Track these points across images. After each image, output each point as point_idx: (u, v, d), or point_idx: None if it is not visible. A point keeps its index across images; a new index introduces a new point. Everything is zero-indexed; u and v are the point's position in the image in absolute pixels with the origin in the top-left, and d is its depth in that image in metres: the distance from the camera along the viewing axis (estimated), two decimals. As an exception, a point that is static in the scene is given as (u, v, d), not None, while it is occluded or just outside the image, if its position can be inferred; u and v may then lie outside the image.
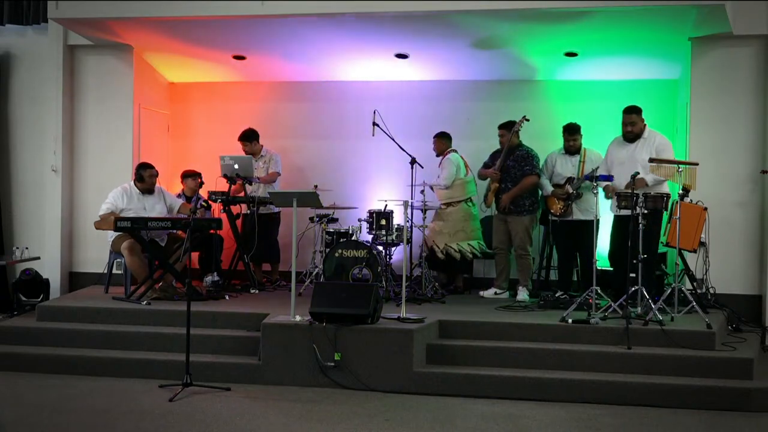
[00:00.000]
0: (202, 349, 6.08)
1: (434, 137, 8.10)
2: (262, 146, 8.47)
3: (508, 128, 7.53)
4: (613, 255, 6.79)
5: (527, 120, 7.45)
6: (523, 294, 7.40)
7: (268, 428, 4.89)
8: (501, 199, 7.51)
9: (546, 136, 8.50)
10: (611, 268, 6.97)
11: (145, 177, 7.49)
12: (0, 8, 8.39)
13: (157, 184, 7.62)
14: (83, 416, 5.11)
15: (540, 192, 7.57)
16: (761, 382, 5.50)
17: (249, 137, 8.39)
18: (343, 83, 9.13)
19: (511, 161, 7.49)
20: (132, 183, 7.54)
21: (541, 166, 7.53)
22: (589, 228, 6.89)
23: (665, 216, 6.80)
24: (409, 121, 8.73)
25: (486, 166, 7.74)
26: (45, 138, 8.36)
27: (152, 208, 7.48)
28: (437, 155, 8.09)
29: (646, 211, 6.17)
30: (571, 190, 7.32)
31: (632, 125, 6.75)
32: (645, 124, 6.80)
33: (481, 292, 7.77)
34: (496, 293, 7.63)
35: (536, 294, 7.55)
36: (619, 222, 6.73)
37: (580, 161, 7.40)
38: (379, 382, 5.71)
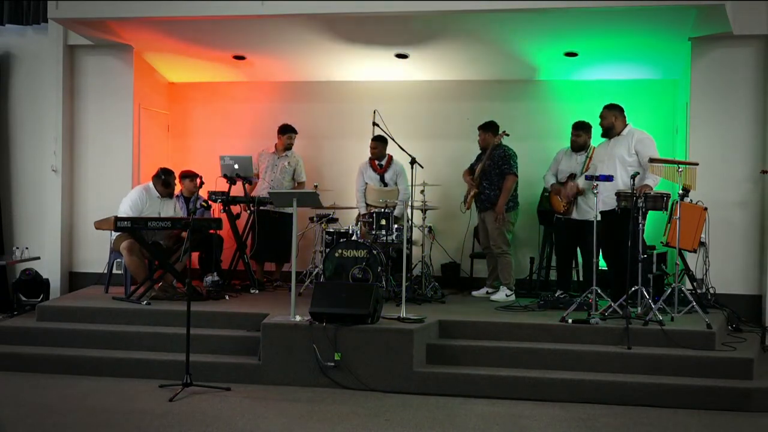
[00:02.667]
0: (202, 349, 6.08)
1: (377, 140, 8.09)
2: None
3: (486, 129, 7.60)
4: (602, 254, 6.76)
5: (507, 135, 7.56)
6: (500, 294, 7.44)
7: (268, 428, 4.89)
8: (482, 199, 7.57)
9: (546, 136, 8.51)
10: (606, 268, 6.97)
11: (172, 183, 7.54)
12: (0, 8, 8.38)
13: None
14: (83, 416, 5.11)
15: (516, 191, 7.61)
16: (761, 382, 5.51)
17: (293, 129, 8.44)
18: (343, 83, 9.12)
19: (489, 161, 7.52)
20: (151, 184, 7.52)
21: (518, 164, 7.55)
22: (588, 227, 6.90)
23: (663, 216, 6.80)
24: (409, 121, 8.73)
25: (471, 168, 7.78)
26: (45, 138, 8.35)
27: (166, 213, 7.48)
28: (373, 158, 8.23)
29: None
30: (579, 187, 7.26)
31: (602, 119, 6.77)
32: (626, 123, 6.75)
33: (473, 292, 7.85)
34: (487, 292, 7.70)
35: (536, 294, 7.56)
36: (601, 219, 6.67)
37: (586, 158, 7.36)
38: (379, 382, 5.71)
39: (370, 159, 8.29)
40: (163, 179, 7.49)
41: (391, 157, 8.25)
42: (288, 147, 8.44)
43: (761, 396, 5.33)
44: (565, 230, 7.44)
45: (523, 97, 8.74)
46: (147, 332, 6.48)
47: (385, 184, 8.20)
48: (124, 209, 7.32)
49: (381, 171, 8.24)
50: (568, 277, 7.48)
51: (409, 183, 7.61)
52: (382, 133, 7.69)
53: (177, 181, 7.81)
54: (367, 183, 8.31)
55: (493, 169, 7.50)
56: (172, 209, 7.61)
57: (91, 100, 8.41)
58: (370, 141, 8.08)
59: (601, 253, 6.74)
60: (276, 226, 8.05)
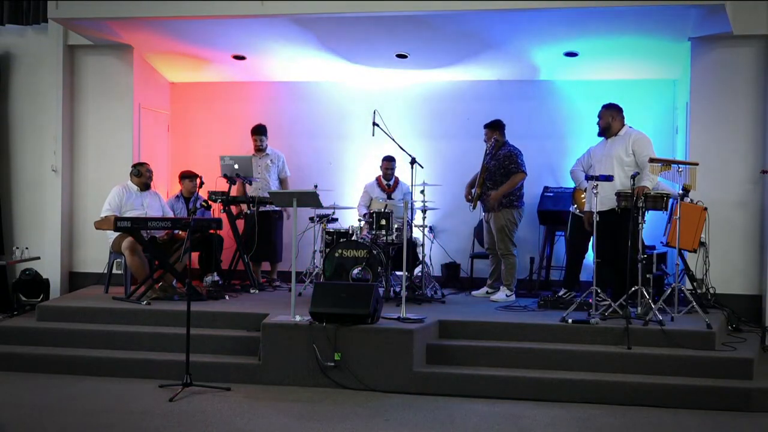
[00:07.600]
0: (202, 349, 6.08)
1: (391, 160, 8.39)
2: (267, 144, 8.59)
3: (491, 127, 7.60)
4: (600, 253, 6.75)
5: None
6: (500, 294, 7.44)
7: (268, 428, 4.89)
8: (486, 198, 7.53)
9: (546, 136, 8.51)
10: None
11: (142, 171, 7.61)
12: (0, 8, 8.38)
13: (152, 188, 7.76)
14: (83, 416, 5.11)
15: (522, 191, 7.54)
16: (761, 382, 5.51)
17: (264, 131, 8.46)
18: (343, 83, 9.12)
19: (493, 161, 7.51)
20: (129, 182, 7.60)
21: (524, 162, 7.48)
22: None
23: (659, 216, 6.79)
24: (409, 121, 8.74)
25: (474, 180, 7.77)
26: (45, 138, 8.35)
27: (150, 205, 7.55)
28: (384, 178, 8.49)
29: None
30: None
31: (599, 118, 6.79)
32: (624, 124, 6.74)
33: (473, 292, 7.85)
34: (487, 292, 7.70)
35: (536, 294, 7.55)
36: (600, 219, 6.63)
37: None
38: (379, 382, 5.71)
39: (378, 178, 8.48)
40: (133, 170, 7.66)
41: (398, 179, 8.51)
42: (259, 149, 8.45)
43: (761, 396, 5.34)
44: (581, 227, 7.13)
45: (523, 97, 8.73)
46: (147, 332, 6.48)
47: (392, 200, 8.29)
48: (105, 207, 7.46)
49: (390, 190, 8.44)
50: (577, 276, 7.30)
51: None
52: (390, 153, 8.02)
53: (177, 181, 7.85)
54: (372, 199, 8.42)
55: (497, 169, 7.47)
56: (156, 201, 7.69)
57: (91, 100, 8.41)
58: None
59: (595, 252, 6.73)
60: (261, 227, 8.06)
